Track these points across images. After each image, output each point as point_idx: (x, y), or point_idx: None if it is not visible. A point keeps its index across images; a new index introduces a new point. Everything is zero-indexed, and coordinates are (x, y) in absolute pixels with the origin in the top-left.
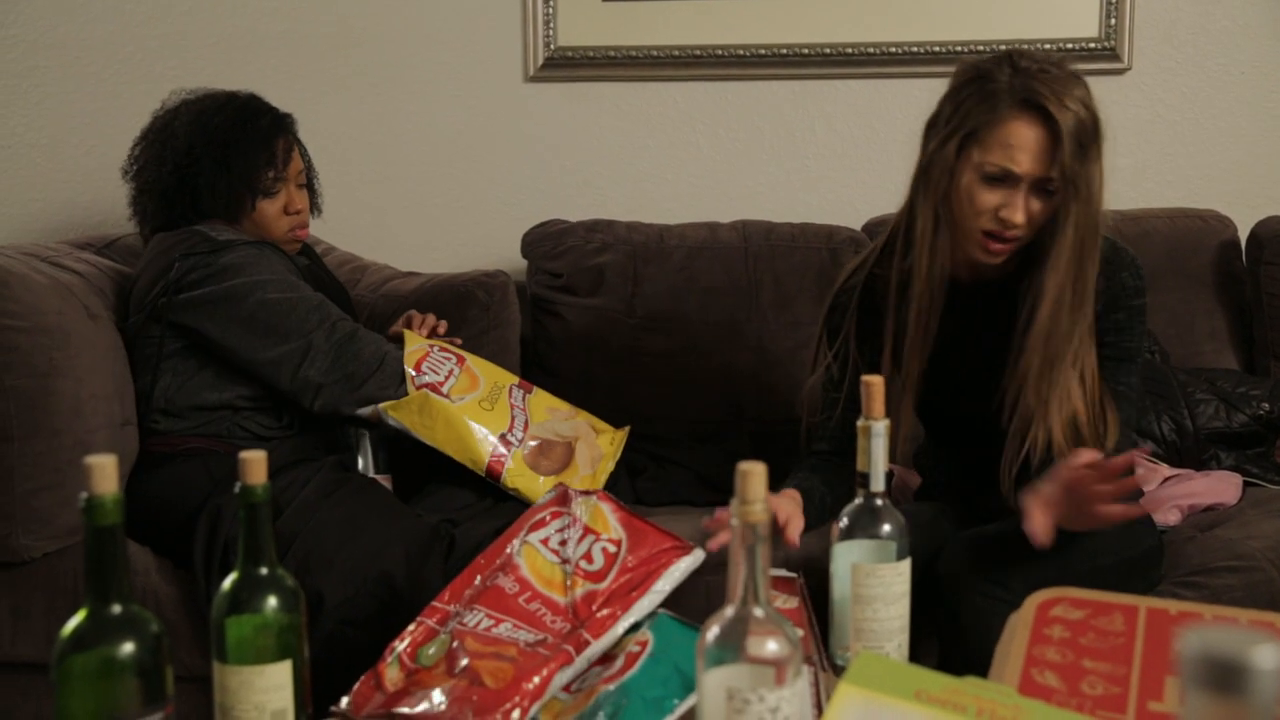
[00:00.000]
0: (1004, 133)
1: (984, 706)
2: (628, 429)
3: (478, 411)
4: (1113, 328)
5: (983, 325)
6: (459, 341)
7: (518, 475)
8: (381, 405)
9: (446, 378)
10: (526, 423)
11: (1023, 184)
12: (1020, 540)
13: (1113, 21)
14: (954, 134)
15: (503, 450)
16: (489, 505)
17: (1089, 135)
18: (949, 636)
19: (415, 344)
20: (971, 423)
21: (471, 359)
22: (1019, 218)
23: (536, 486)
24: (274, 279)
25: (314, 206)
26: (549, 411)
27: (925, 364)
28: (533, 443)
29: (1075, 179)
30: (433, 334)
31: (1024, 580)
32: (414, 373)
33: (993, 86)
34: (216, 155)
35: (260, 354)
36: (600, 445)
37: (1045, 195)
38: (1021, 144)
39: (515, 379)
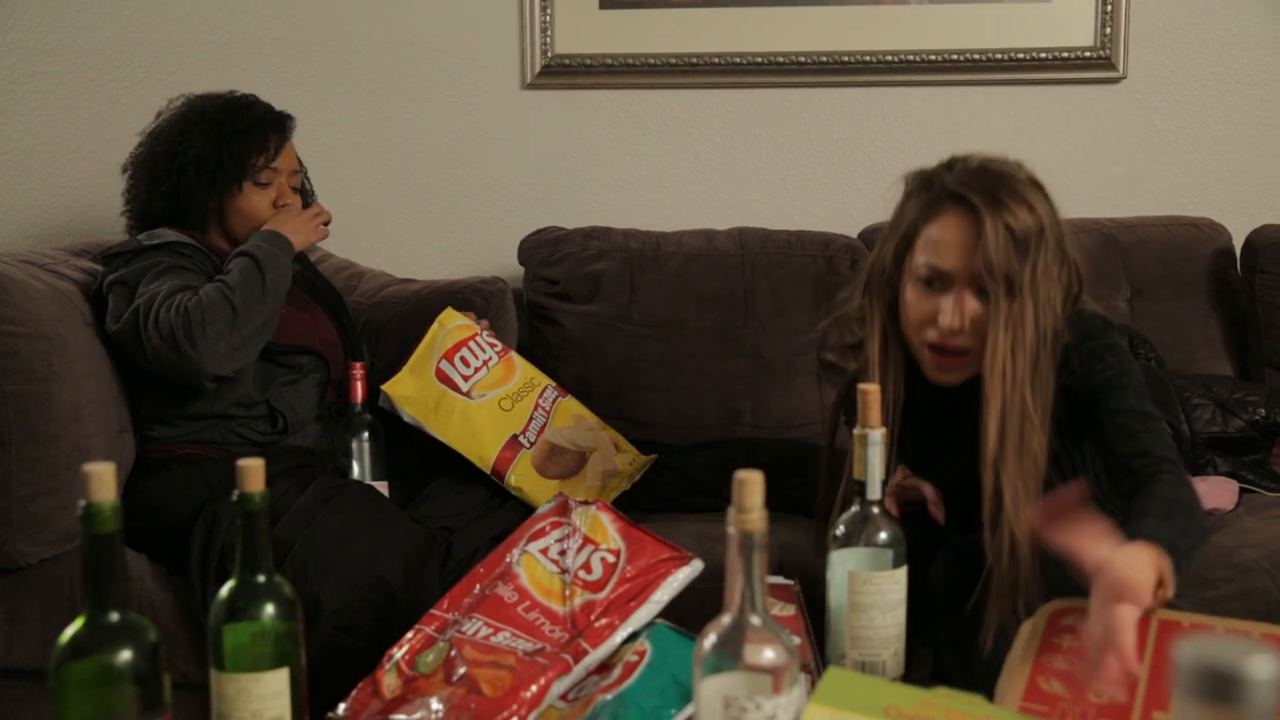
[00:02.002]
0: (932, 230)
1: (953, 718)
2: (653, 457)
3: (495, 411)
4: (1087, 370)
5: (951, 425)
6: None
7: (522, 475)
8: (395, 398)
9: (479, 369)
10: (544, 426)
11: (955, 284)
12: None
13: (1108, 31)
14: (890, 237)
15: (512, 450)
16: (486, 511)
17: (1032, 237)
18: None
19: (459, 321)
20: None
21: (516, 354)
22: (953, 321)
23: (540, 489)
24: (145, 277)
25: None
26: (574, 419)
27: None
28: (544, 446)
29: (1010, 278)
30: None
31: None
32: (444, 360)
33: (930, 187)
34: (209, 133)
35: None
36: (618, 463)
37: (984, 296)
38: (948, 239)
39: (553, 382)
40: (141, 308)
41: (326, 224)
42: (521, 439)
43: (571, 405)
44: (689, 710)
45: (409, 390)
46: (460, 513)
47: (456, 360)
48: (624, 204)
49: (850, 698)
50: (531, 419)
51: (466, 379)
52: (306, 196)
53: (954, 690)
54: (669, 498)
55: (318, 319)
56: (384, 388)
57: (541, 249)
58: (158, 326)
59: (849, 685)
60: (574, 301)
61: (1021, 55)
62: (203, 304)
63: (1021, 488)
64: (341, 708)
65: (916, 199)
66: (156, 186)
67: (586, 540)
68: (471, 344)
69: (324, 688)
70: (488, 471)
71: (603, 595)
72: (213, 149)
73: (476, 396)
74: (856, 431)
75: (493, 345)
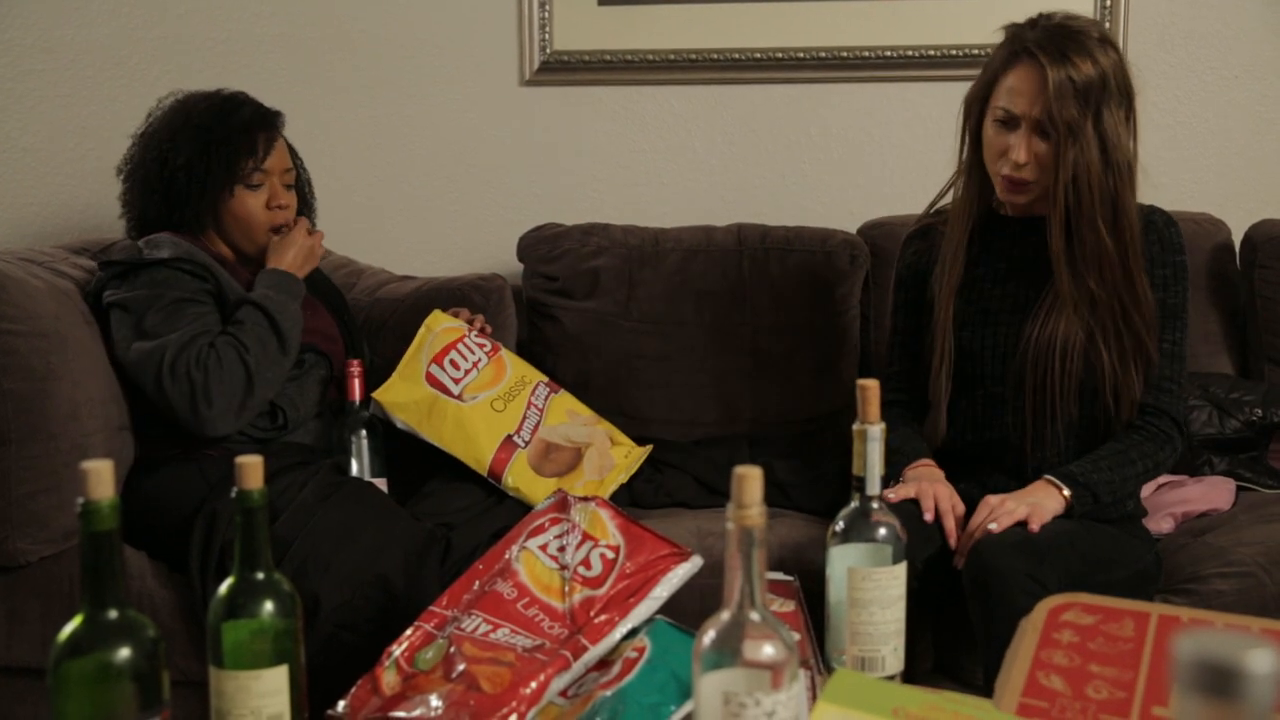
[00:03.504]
0: (1009, 79)
1: None
2: (649, 448)
3: (488, 412)
4: (1159, 284)
5: (1019, 264)
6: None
7: (519, 475)
8: (387, 405)
9: (469, 370)
10: (538, 424)
11: (1023, 125)
12: (1050, 541)
13: (1107, 25)
14: (980, 79)
15: (507, 451)
16: (485, 509)
17: (1094, 88)
18: (984, 631)
19: (446, 324)
20: (1001, 391)
21: (506, 351)
22: (1020, 156)
23: (537, 488)
24: (151, 308)
25: (306, 217)
26: (568, 415)
27: (959, 288)
28: (539, 445)
29: (1071, 125)
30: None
31: (1058, 580)
32: (434, 364)
33: (1013, 41)
34: (196, 139)
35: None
36: (614, 456)
37: (1047, 138)
38: (1020, 88)
39: (545, 378)
40: (155, 355)
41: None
42: (516, 439)
43: (565, 400)
44: (688, 706)
45: (400, 397)
46: (459, 509)
47: (446, 363)
48: (623, 200)
49: (859, 697)
50: (525, 418)
51: (457, 381)
52: (303, 188)
53: (962, 694)
54: (668, 494)
55: (319, 315)
56: (375, 395)
57: (540, 245)
58: (175, 381)
59: (858, 685)
60: (573, 298)
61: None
62: (222, 366)
63: (1091, 279)
64: (341, 705)
65: (1002, 50)
66: (150, 195)
67: (586, 536)
68: (460, 346)
69: (323, 685)
70: (484, 474)
71: (602, 591)
72: (200, 155)
73: (468, 399)
74: (856, 427)
75: (481, 345)
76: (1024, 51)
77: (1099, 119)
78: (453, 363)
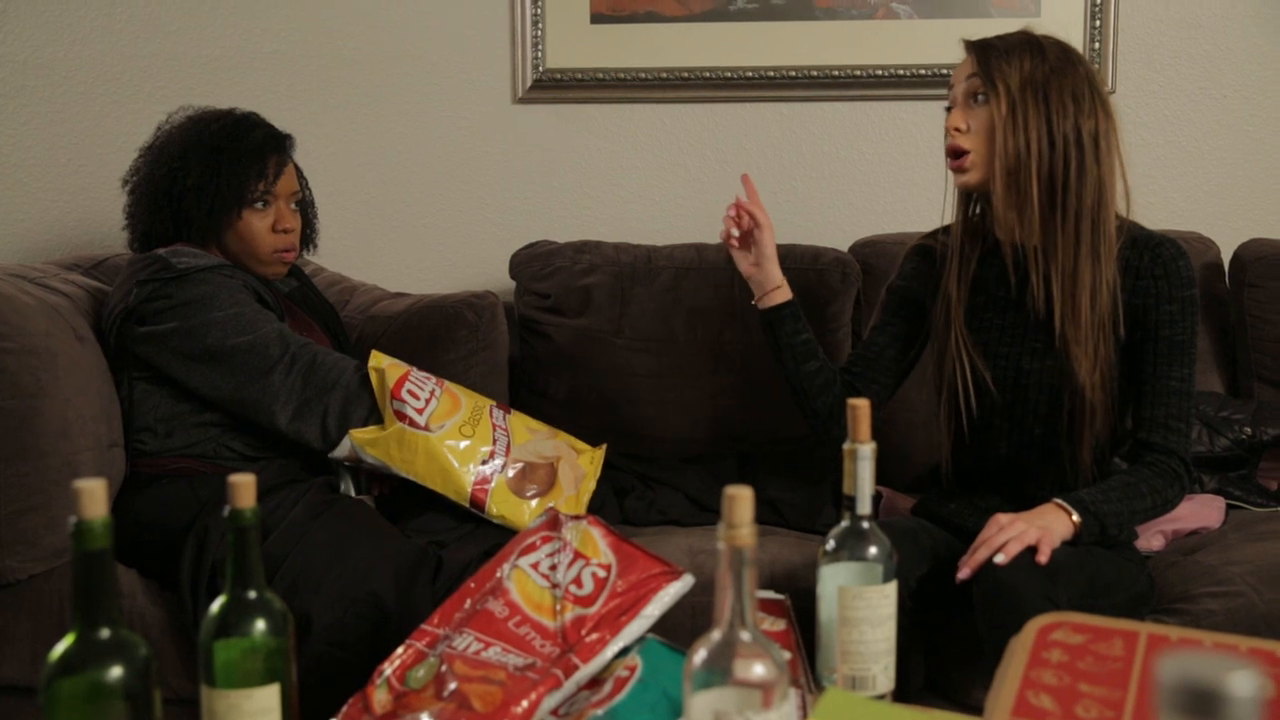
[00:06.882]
0: (952, 76)
1: None
2: (605, 446)
3: (459, 438)
4: (1166, 320)
5: (1020, 296)
6: None
7: (502, 502)
8: (357, 441)
9: (428, 400)
10: (509, 445)
11: (956, 100)
12: (1063, 561)
13: (1096, 46)
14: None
15: (486, 478)
16: (476, 526)
17: (1014, 50)
18: (994, 649)
19: (389, 361)
20: (1001, 410)
21: (449, 382)
22: (955, 122)
23: (522, 513)
24: (231, 315)
25: (308, 240)
26: (529, 432)
27: (965, 305)
28: (515, 466)
29: (993, 76)
30: None
31: (1068, 600)
32: (394, 400)
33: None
34: (207, 160)
35: (222, 393)
36: (581, 464)
37: (979, 104)
38: (954, 75)
39: (492, 401)
40: (276, 347)
41: None
42: (493, 463)
43: (520, 419)
44: None
45: (369, 434)
46: (451, 527)
47: (405, 394)
48: (615, 218)
49: (850, 716)
50: (495, 440)
51: (420, 412)
52: (307, 210)
53: (953, 713)
54: (660, 511)
55: (313, 334)
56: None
57: (532, 263)
58: (309, 378)
59: (848, 705)
60: (565, 315)
61: None
62: (361, 398)
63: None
64: None
65: None
66: (157, 212)
67: (577, 555)
68: (410, 380)
69: (314, 704)
70: (466, 504)
71: (594, 610)
72: (211, 176)
73: (435, 428)
74: (846, 446)
75: (428, 378)
76: (964, 48)
77: (1026, 83)
78: (411, 393)
